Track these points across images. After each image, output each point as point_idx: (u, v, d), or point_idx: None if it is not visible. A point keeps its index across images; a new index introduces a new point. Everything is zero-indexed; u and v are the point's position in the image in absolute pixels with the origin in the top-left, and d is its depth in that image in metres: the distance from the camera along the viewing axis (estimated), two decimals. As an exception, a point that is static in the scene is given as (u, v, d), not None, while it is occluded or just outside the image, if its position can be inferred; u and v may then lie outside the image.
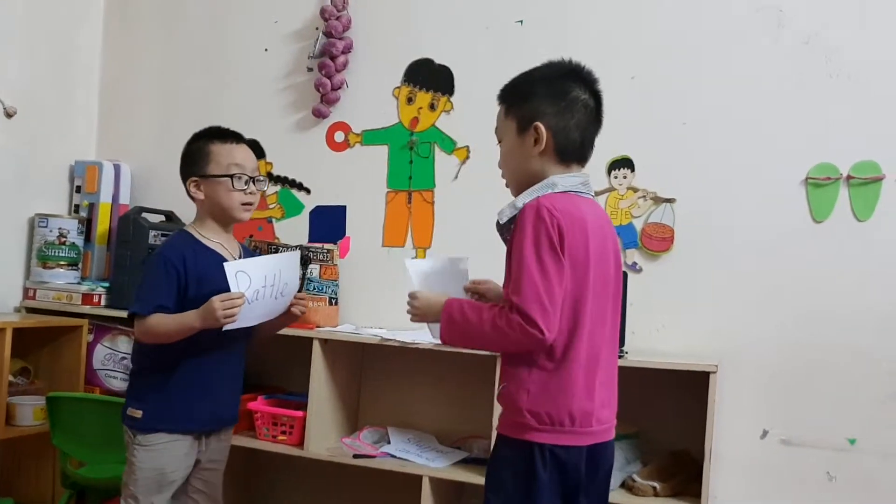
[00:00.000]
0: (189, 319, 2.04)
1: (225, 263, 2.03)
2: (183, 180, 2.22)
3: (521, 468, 1.70)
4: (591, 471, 1.75)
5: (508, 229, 1.74)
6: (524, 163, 1.78)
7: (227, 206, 2.17)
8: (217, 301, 1.99)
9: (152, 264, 2.16)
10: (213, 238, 2.20)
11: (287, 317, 2.25)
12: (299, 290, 2.21)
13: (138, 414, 2.13)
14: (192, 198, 2.21)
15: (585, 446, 1.72)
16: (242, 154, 2.21)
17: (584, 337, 1.70)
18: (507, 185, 1.86)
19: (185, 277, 2.11)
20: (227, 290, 2.01)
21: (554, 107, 1.75)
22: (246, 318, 2.06)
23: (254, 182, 2.20)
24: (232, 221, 2.23)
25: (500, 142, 1.86)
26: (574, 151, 1.78)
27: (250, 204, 2.21)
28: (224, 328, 2.02)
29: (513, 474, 1.72)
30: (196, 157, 2.20)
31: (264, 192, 2.27)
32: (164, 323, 2.06)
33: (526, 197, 1.74)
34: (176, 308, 2.09)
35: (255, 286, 2.05)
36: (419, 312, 1.84)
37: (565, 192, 1.73)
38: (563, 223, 1.66)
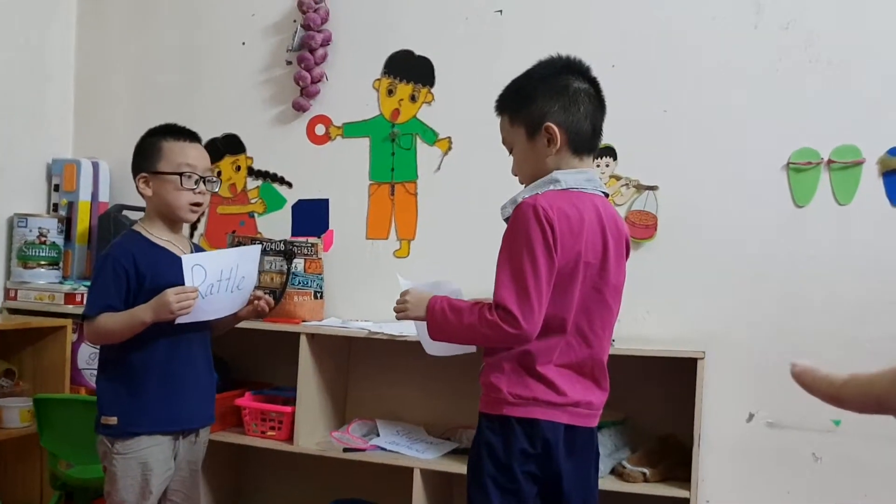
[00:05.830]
0: (139, 313, 2.00)
1: (182, 256, 1.99)
2: (133, 175, 2.17)
3: (500, 444, 1.71)
4: (569, 453, 1.75)
5: None
6: (540, 164, 1.77)
7: (174, 204, 2.12)
8: (171, 294, 1.95)
9: (100, 265, 2.10)
10: (162, 236, 2.16)
11: (247, 312, 2.21)
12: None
13: (113, 420, 2.07)
14: (141, 194, 2.17)
15: (563, 424, 1.72)
16: (195, 153, 2.15)
17: (567, 328, 1.72)
18: (523, 184, 1.84)
19: (135, 278, 2.06)
20: (181, 284, 1.97)
21: (559, 103, 1.74)
22: (200, 311, 2.03)
23: (204, 182, 2.14)
24: (178, 221, 2.18)
25: (510, 151, 1.85)
26: (586, 142, 1.78)
27: (198, 204, 2.15)
28: (176, 321, 2.00)
29: (489, 452, 1.72)
30: (148, 152, 2.15)
31: (215, 192, 2.22)
32: (113, 320, 2.02)
33: (526, 193, 1.74)
34: (125, 308, 2.04)
35: (210, 280, 2.02)
36: (407, 308, 1.83)
37: (567, 189, 1.73)
38: (557, 223, 1.66)
